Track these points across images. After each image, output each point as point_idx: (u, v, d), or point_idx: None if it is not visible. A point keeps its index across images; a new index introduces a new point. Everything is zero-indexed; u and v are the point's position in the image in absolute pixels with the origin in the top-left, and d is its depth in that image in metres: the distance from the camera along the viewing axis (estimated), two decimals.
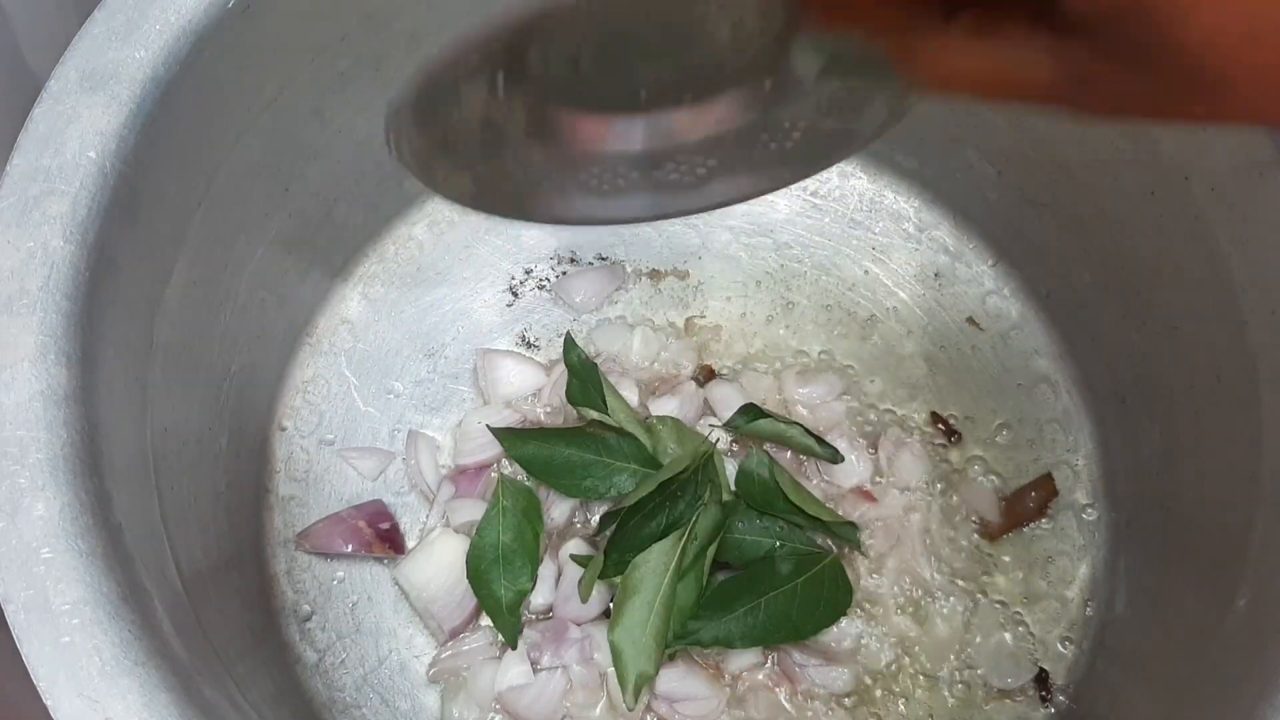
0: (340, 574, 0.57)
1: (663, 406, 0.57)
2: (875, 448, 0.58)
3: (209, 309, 0.51)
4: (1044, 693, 0.55)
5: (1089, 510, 0.58)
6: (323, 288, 0.61)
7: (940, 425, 0.59)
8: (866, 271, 0.63)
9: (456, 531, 0.56)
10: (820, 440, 0.56)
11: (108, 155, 0.41)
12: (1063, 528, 0.58)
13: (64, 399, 0.38)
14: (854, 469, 0.57)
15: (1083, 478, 0.59)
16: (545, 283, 0.63)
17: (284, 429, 0.59)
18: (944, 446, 0.59)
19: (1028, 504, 0.58)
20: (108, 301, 0.41)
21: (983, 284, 0.63)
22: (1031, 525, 0.58)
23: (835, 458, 0.56)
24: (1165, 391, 0.54)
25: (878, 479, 0.58)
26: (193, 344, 0.49)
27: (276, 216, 0.54)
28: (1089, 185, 0.55)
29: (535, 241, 0.64)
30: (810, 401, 0.59)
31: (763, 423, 0.56)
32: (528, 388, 0.59)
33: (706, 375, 0.60)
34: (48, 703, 0.34)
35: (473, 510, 0.55)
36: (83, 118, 0.41)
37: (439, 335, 0.62)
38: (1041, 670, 0.55)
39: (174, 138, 0.44)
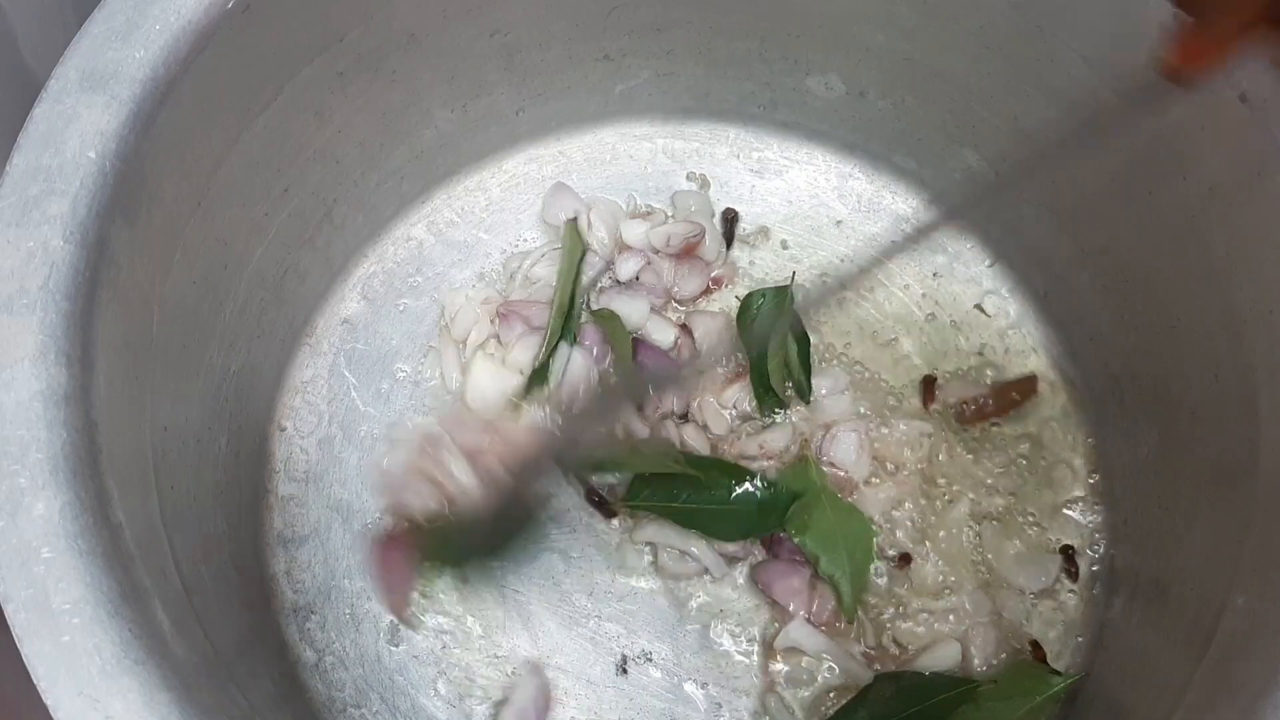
0: (340, 573, 0.57)
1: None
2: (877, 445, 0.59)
3: (209, 309, 0.51)
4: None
5: (1086, 510, 0.58)
6: (322, 288, 0.61)
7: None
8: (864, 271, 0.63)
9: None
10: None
11: (108, 155, 0.41)
12: (1060, 527, 0.58)
13: (64, 399, 0.38)
14: (857, 464, 0.58)
15: (1080, 476, 0.59)
16: None
17: (284, 429, 0.59)
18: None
19: (1011, 395, 0.59)
20: (107, 301, 0.41)
21: (981, 284, 0.63)
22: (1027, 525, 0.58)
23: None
24: (1163, 391, 0.54)
25: (877, 476, 0.58)
26: (193, 344, 0.49)
27: (276, 216, 0.54)
28: (1086, 185, 0.55)
29: (535, 242, 0.64)
30: (818, 393, 0.60)
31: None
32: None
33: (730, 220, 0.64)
34: (48, 702, 0.34)
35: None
36: (83, 117, 0.41)
37: (439, 335, 0.62)
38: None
39: (174, 138, 0.44)
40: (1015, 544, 0.57)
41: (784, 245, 0.64)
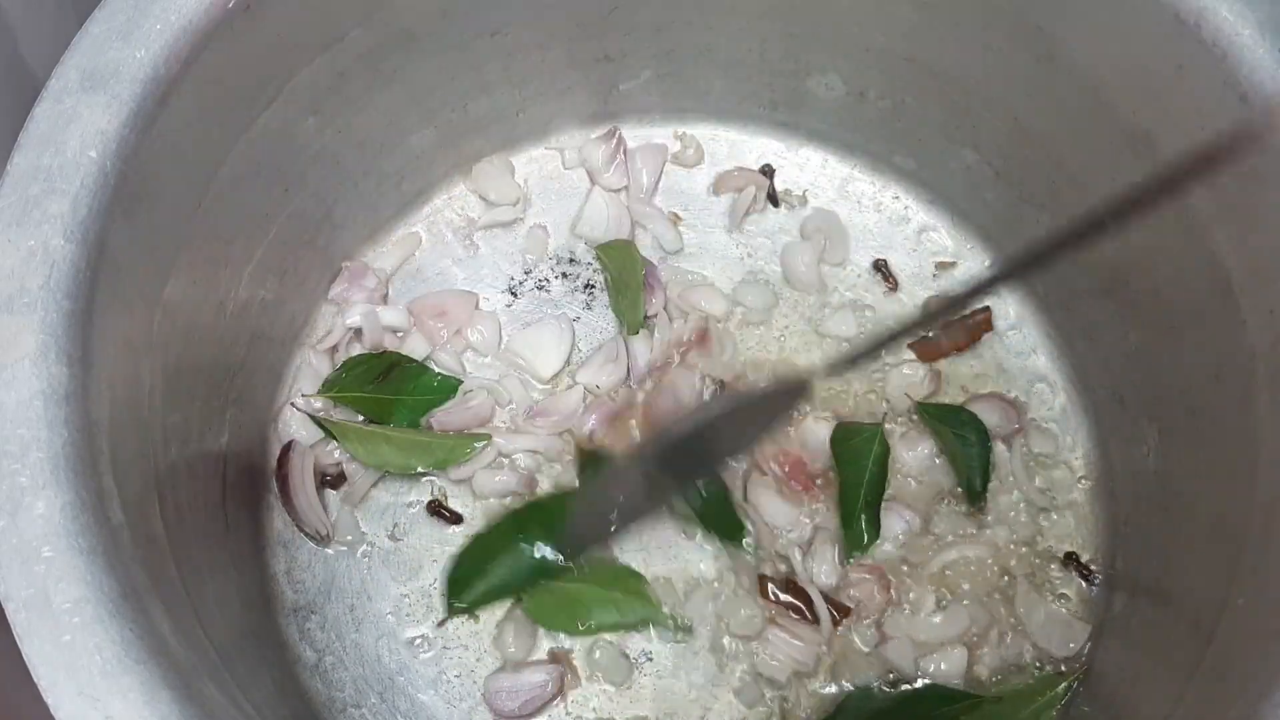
0: (340, 574, 0.57)
1: None
2: None
3: (209, 309, 0.51)
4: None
5: (1086, 509, 0.59)
6: (322, 288, 0.61)
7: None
8: (864, 271, 0.63)
9: None
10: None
11: (108, 154, 0.41)
12: (1061, 528, 0.58)
13: (64, 398, 0.38)
14: None
15: (1080, 476, 0.59)
16: (544, 283, 0.63)
17: (284, 429, 0.59)
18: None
19: (963, 327, 0.61)
20: (108, 300, 0.41)
21: None
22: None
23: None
24: (1163, 391, 0.54)
25: None
26: (193, 344, 0.49)
27: (276, 216, 0.54)
28: (1086, 185, 0.55)
29: (534, 242, 0.64)
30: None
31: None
32: None
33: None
34: (49, 701, 0.35)
35: None
36: (83, 117, 0.41)
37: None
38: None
39: (174, 138, 0.44)
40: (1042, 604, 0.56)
41: (784, 245, 0.64)
